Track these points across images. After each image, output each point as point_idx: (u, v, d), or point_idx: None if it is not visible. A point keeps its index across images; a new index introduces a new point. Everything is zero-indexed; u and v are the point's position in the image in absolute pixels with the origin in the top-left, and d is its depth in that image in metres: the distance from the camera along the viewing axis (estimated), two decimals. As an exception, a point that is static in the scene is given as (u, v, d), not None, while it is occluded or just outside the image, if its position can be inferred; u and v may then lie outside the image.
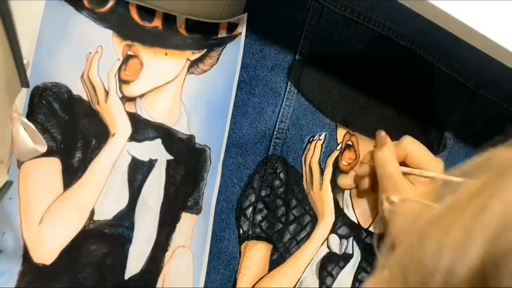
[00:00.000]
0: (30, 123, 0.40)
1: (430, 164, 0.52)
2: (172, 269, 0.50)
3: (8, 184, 0.39)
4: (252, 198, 0.52)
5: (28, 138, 0.38)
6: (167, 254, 0.50)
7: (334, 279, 0.54)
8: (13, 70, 0.35)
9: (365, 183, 0.54)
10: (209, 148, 0.51)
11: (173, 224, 0.51)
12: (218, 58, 0.51)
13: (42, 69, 0.45)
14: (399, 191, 0.50)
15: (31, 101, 0.45)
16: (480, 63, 0.53)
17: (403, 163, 0.53)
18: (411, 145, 0.52)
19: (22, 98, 0.44)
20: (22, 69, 0.36)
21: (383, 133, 0.52)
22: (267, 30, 0.50)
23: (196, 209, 0.51)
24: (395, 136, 0.53)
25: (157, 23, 0.49)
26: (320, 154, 0.54)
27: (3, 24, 0.30)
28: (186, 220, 0.51)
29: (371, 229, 0.57)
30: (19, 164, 0.45)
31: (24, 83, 0.38)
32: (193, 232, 0.51)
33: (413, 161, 0.52)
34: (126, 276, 0.48)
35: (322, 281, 0.54)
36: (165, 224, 0.50)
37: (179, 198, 0.51)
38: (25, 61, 0.40)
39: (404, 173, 0.52)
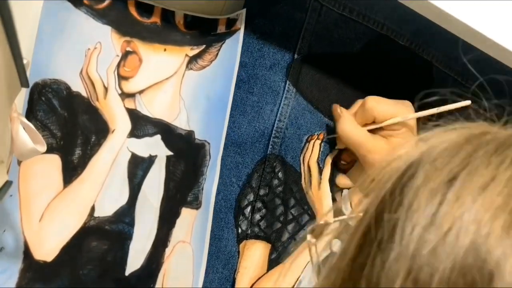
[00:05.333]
0: (29, 123, 0.40)
1: (400, 114, 0.50)
2: (173, 264, 0.51)
3: (8, 184, 0.39)
4: (251, 197, 0.52)
5: (28, 138, 0.39)
6: (167, 250, 0.51)
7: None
8: (13, 70, 0.35)
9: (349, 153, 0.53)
10: (208, 143, 0.51)
11: (173, 219, 0.51)
12: (217, 54, 0.51)
13: (41, 66, 0.45)
14: (375, 152, 0.48)
15: (30, 98, 0.45)
16: (480, 63, 0.53)
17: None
18: (376, 107, 0.49)
19: (22, 95, 0.44)
20: (22, 69, 0.36)
21: (338, 106, 0.51)
22: (266, 29, 0.50)
23: (195, 204, 0.52)
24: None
25: (155, 19, 0.48)
26: (319, 154, 0.54)
27: (3, 24, 0.30)
28: (186, 215, 0.51)
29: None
30: (19, 161, 0.45)
31: (24, 83, 0.38)
32: (193, 227, 0.51)
33: (384, 120, 0.50)
34: (127, 272, 0.49)
35: (321, 281, 0.54)
36: (166, 219, 0.50)
37: (179, 194, 0.51)
38: (24, 61, 0.40)
39: (373, 131, 0.50)
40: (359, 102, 0.52)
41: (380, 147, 0.49)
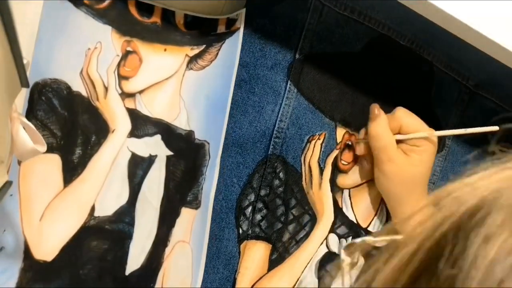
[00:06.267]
0: (29, 123, 0.39)
1: (425, 130, 0.51)
2: (172, 264, 0.51)
3: (8, 184, 0.39)
4: (252, 197, 0.52)
5: (28, 138, 0.38)
6: (167, 249, 0.51)
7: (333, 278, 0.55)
8: (13, 70, 0.35)
9: (367, 162, 0.54)
10: (208, 143, 0.52)
11: (173, 219, 0.51)
12: (217, 54, 0.51)
13: (41, 65, 0.45)
14: (393, 162, 0.50)
15: (30, 97, 0.45)
16: (480, 63, 0.53)
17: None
18: (405, 117, 0.51)
19: (22, 95, 0.44)
20: (22, 69, 0.36)
21: (376, 106, 0.52)
22: (267, 29, 0.50)
23: (195, 203, 0.52)
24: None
25: (155, 18, 0.48)
26: (320, 154, 0.54)
27: (3, 24, 0.30)
28: (186, 215, 0.51)
29: (370, 228, 0.57)
30: (19, 161, 0.45)
31: (24, 83, 0.38)
32: (192, 227, 0.52)
33: (408, 132, 0.51)
34: (127, 272, 0.49)
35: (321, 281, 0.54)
36: (165, 219, 0.50)
37: (179, 193, 0.51)
38: (25, 61, 0.40)
39: (398, 141, 0.51)
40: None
41: (399, 160, 0.51)
